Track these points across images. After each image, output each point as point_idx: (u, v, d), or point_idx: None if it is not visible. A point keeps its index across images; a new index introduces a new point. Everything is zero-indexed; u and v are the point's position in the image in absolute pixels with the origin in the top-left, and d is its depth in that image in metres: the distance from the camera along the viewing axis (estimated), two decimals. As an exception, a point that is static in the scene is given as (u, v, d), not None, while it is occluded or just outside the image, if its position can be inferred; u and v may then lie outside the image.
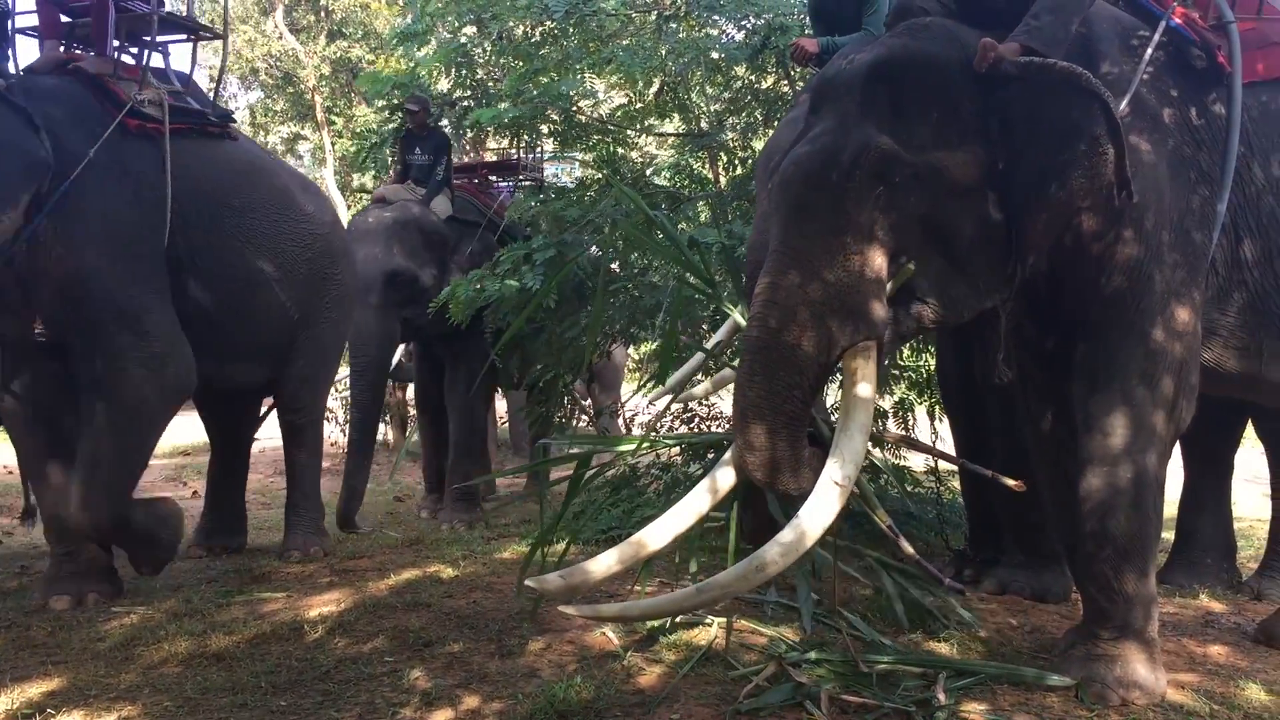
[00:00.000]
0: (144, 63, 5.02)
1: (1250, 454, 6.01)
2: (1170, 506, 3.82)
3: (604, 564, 2.85)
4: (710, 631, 3.64)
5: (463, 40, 6.92)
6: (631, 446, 3.63)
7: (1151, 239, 3.19)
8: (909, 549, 3.01)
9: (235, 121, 5.46)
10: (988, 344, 3.39)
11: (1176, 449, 3.64)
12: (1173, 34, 3.37)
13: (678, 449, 5.38)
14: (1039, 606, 4.30)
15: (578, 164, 9.04)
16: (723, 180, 7.24)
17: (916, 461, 6.36)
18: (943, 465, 5.94)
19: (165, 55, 5.29)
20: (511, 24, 6.74)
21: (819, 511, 2.73)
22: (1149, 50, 3.26)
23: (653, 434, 3.83)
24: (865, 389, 2.87)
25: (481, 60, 7.35)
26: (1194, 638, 3.98)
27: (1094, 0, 3.25)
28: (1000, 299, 3.18)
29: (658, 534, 2.93)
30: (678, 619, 3.72)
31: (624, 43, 6.80)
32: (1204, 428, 3.93)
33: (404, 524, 6.99)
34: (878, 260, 2.88)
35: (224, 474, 5.92)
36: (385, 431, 12.54)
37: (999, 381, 3.36)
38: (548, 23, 6.83)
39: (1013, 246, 3.03)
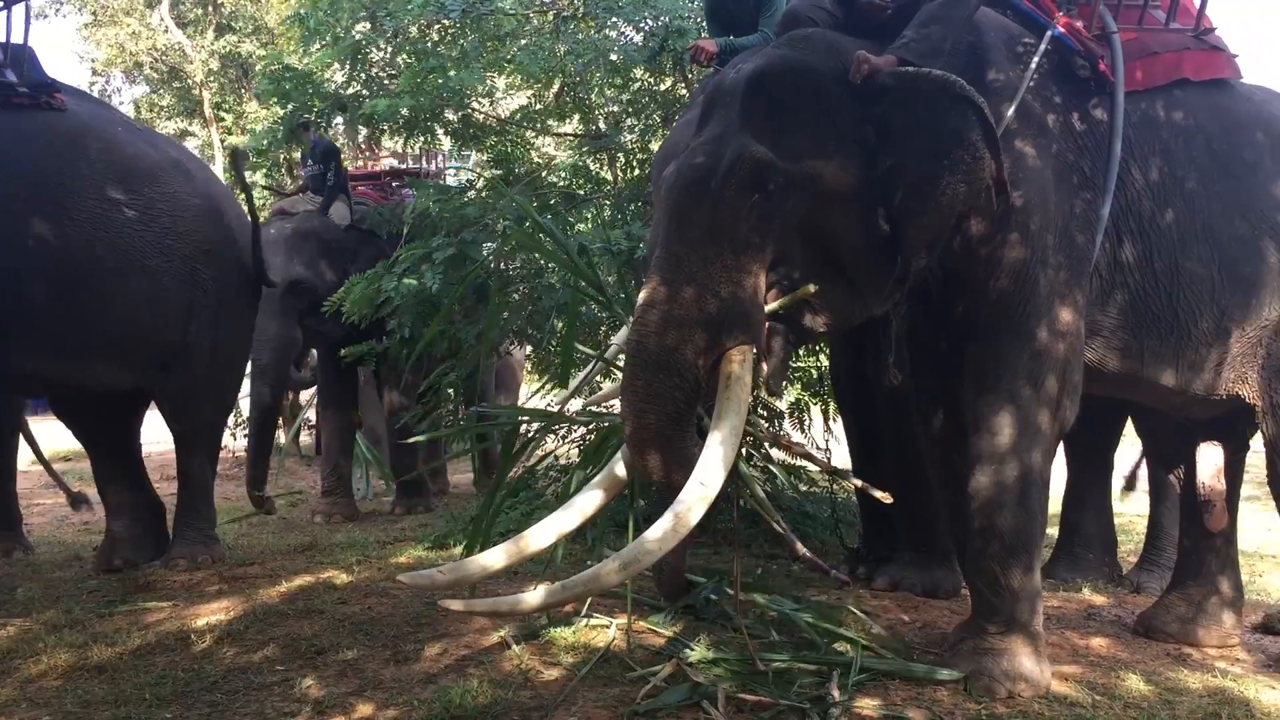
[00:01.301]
0: None
1: (1129, 452, 6.21)
2: (1054, 503, 3.92)
3: (484, 561, 2.87)
4: (608, 633, 3.64)
5: (356, 36, 6.77)
6: (572, 416, 3.62)
7: (1037, 242, 3.28)
8: (802, 549, 3.05)
9: (59, 91, 4.77)
10: (880, 346, 3.45)
11: (1060, 447, 3.74)
12: (1057, 43, 3.47)
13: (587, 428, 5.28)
14: (930, 602, 4.38)
15: (473, 166, 9.04)
16: (621, 182, 7.24)
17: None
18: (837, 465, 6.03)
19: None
20: (407, 22, 6.63)
21: (685, 512, 2.75)
22: (1035, 58, 3.37)
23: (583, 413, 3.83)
24: (739, 392, 2.91)
25: (377, 58, 7.23)
26: (1077, 630, 4.10)
27: (971, 15, 3.34)
28: (889, 304, 3.25)
29: (543, 532, 2.96)
30: (578, 621, 3.75)
31: (522, 42, 6.74)
32: (1085, 426, 4.05)
33: (296, 529, 6.84)
34: (754, 266, 2.96)
35: (113, 477, 5.45)
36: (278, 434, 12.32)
37: (889, 384, 3.44)
38: (444, 21, 6.74)
39: (896, 252, 3.10)
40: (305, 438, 12.44)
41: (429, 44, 6.91)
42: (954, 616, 4.09)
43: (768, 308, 2.99)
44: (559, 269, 6.11)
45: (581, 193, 7.26)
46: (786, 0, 4.55)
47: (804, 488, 6.16)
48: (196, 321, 5.11)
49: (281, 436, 12.18)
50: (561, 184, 7.33)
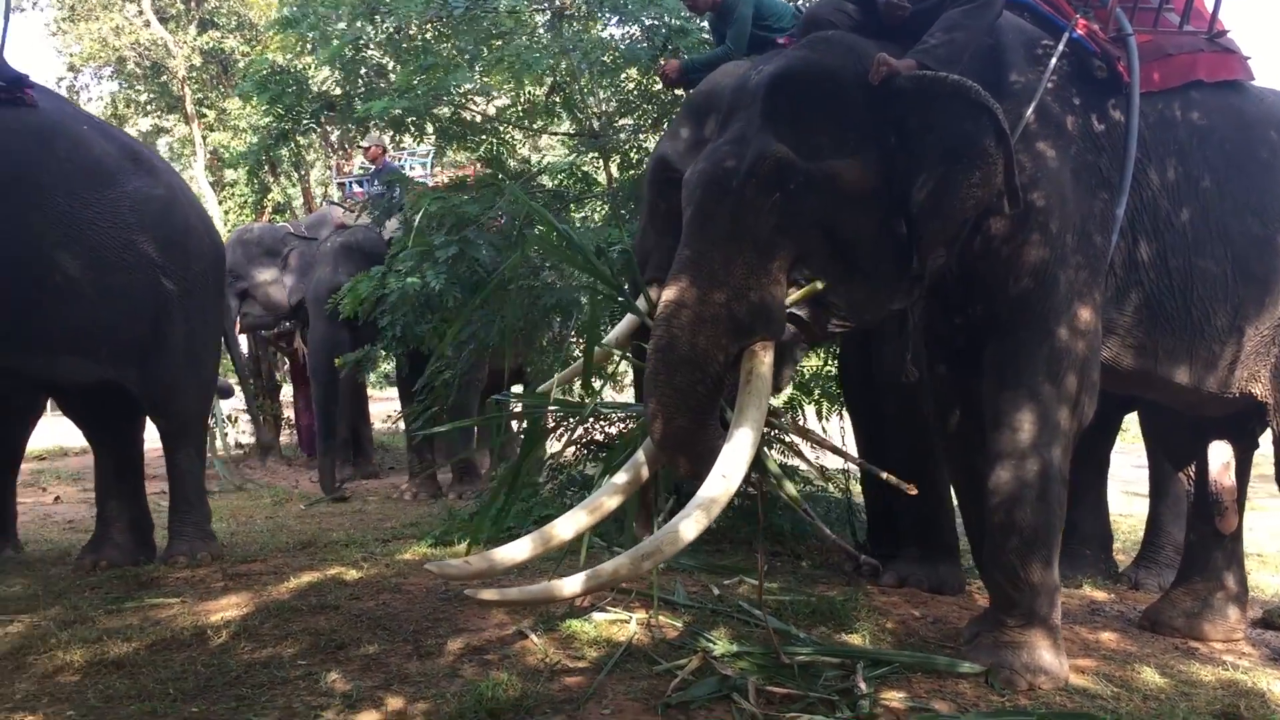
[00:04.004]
0: None
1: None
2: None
3: (511, 551, 2.87)
4: (629, 627, 3.64)
5: (356, 35, 6.73)
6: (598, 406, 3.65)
7: (1056, 242, 3.32)
8: (834, 536, 3.10)
9: (30, 87, 4.71)
10: (888, 345, 3.48)
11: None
12: (1075, 45, 3.52)
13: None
14: (937, 598, 4.42)
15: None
16: (616, 181, 7.24)
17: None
18: (831, 464, 6.06)
19: None
20: (409, 20, 6.62)
21: (710, 503, 2.79)
22: (1053, 60, 3.41)
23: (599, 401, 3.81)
24: (760, 387, 2.96)
25: (373, 57, 7.20)
26: (1084, 625, 4.16)
27: (991, 23, 3.38)
28: (906, 302, 3.29)
29: (567, 525, 2.97)
30: (596, 615, 3.76)
31: (518, 41, 6.73)
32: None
33: (286, 528, 6.78)
34: (775, 264, 3.00)
35: (112, 483, 5.39)
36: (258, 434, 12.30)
37: (906, 380, 3.47)
38: (444, 20, 6.73)
39: (913, 252, 3.13)
40: (285, 437, 12.36)
41: (425, 42, 6.89)
42: (963, 611, 4.13)
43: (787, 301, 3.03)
44: (556, 266, 6.15)
45: (574, 193, 7.28)
46: (750, 9, 4.66)
47: (802, 487, 6.17)
48: (166, 314, 5.10)
49: (245, 437, 12.23)
50: (554, 184, 7.34)
